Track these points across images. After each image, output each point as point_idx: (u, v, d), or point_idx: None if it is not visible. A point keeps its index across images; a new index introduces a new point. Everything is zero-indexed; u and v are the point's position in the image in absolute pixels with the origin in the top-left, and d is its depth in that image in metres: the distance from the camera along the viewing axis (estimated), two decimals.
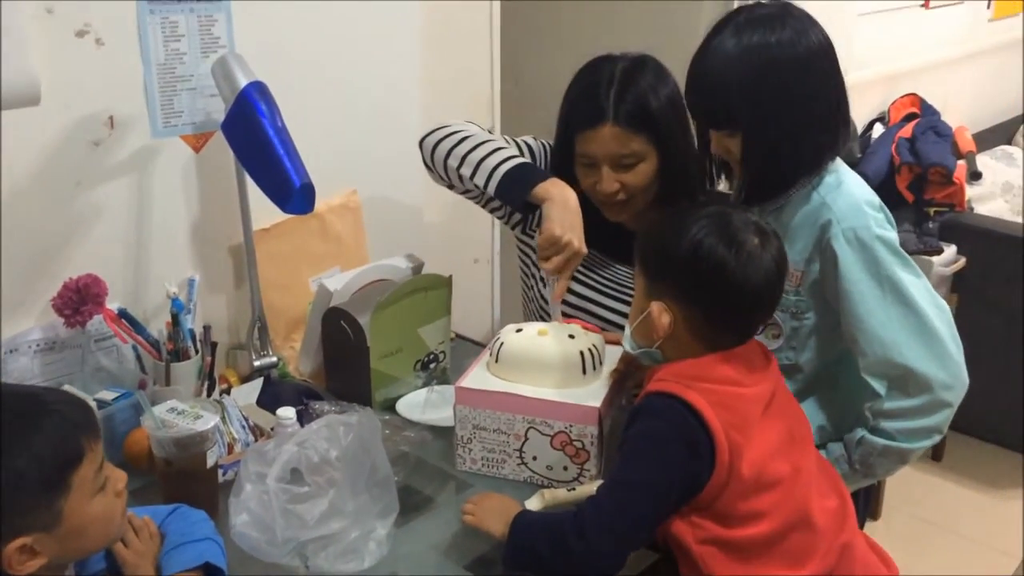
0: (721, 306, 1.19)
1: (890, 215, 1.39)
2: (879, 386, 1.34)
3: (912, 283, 1.33)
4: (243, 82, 1.49)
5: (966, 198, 3.03)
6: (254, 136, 1.48)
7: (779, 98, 1.34)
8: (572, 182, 1.55)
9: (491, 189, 1.54)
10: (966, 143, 3.33)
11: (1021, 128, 3.83)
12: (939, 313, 1.33)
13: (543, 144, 1.72)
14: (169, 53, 1.55)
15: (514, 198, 1.53)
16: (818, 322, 1.42)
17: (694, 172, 1.58)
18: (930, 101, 3.32)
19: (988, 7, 3.80)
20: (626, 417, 1.23)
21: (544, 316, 1.73)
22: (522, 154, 1.68)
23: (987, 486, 2.90)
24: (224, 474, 1.41)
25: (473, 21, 2.05)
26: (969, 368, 1.34)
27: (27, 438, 0.95)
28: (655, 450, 1.16)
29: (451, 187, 1.69)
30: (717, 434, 1.13)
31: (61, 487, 0.98)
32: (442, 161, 1.61)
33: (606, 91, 1.52)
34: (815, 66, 1.35)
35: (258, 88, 1.50)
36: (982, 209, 3.18)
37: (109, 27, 1.47)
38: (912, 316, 1.32)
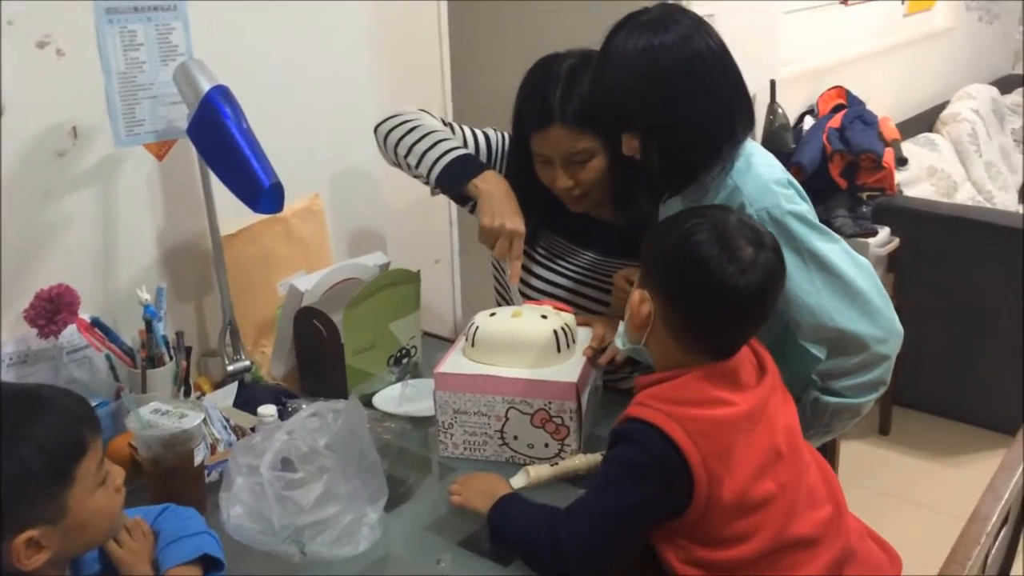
0: (697, 306, 1.19)
1: (800, 188, 1.42)
2: (818, 351, 1.39)
3: (830, 250, 1.37)
4: (206, 86, 1.51)
5: (896, 182, 3.17)
6: (221, 139, 1.50)
7: (663, 99, 1.36)
8: (533, 178, 1.61)
9: (432, 180, 1.64)
10: (890, 132, 3.48)
11: (940, 116, 4.02)
12: (860, 272, 1.37)
13: (502, 135, 1.77)
14: (129, 62, 1.56)
15: (451, 191, 1.64)
16: None
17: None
18: (855, 93, 3.47)
19: (902, 3, 3.99)
20: (608, 438, 1.24)
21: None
22: (478, 146, 1.74)
23: (933, 455, 3.02)
24: (208, 475, 1.42)
25: (422, 24, 2.10)
26: (907, 343, 1.38)
27: (32, 429, 0.96)
28: (632, 478, 1.17)
29: (406, 171, 1.75)
30: (695, 467, 1.14)
31: (66, 478, 0.99)
32: (392, 149, 1.70)
33: (552, 92, 1.55)
34: (699, 68, 1.37)
35: (222, 92, 1.52)
36: (910, 192, 3.33)
37: (69, 37, 1.48)
38: (835, 281, 1.36)
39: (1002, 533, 1.19)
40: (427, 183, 1.71)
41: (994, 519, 1.09)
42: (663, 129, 1.39)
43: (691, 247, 1.18)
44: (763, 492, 1.18)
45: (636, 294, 1.24)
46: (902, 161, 3.43)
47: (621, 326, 1.32)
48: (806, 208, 1.40)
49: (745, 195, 1.38)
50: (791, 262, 1.36)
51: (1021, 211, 3.73)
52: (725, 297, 1.17)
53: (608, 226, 1.70)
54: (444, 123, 1.76)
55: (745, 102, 1.45)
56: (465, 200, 1.67)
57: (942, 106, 4.08)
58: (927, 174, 3.55)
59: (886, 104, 3.72)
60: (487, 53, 2.90)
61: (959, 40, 4.49)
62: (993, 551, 1.15)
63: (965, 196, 3.67)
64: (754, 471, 1.17)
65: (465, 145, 1.71)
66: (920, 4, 4.14)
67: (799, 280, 1.37)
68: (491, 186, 1.59)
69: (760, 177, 1.40)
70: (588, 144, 1.56)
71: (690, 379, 1.19)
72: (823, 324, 1.37)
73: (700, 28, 1.40)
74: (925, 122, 3.99)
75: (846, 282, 1.37)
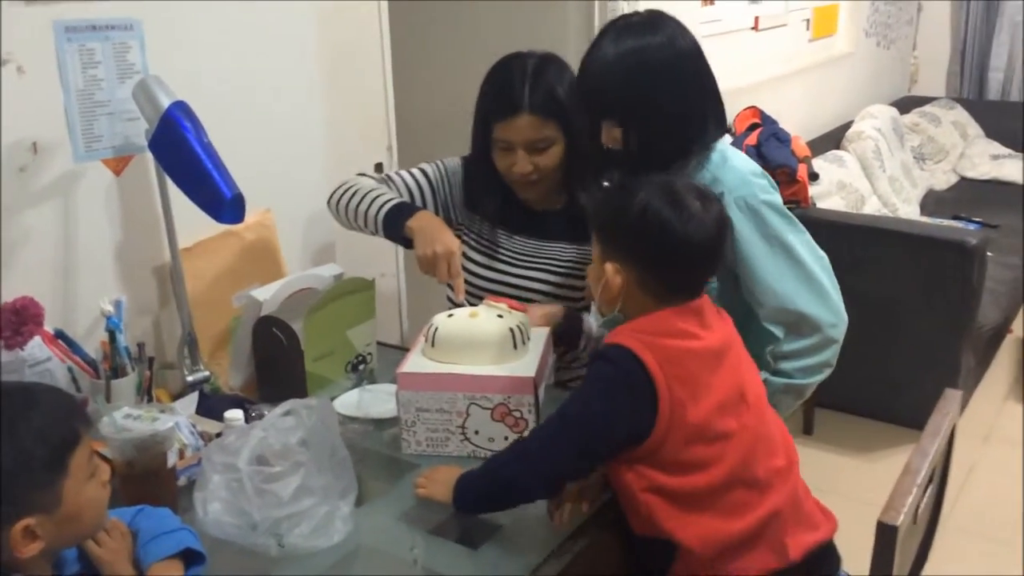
0: (668, 263, 1.31)
1: (772, 180, 1.59)
2: (778, 331, 1.53)
3: (796, 239, 1.54)
4: (166, 102, 1.56)
5: (809, 195, 3.37)
6: (183, 153, 1.54)
7: (651, 93, 1.53)
8: (490, 166, 1.78)
9: (380, 234, 1.79)
10: (802, 149, 3.69)
11: (846, 135, 4.27)
12: (818, 261, 1.55)
13: (437, 166, 1.92)
14: (87, 79, 1.60)
15: (395, 239, 1.79)
16: (722, 286, 1.61)
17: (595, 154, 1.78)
18: (768, 113, 3.67)
19: (807, 28, 4.24)
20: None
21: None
22: (419, 184, 1.89)
23: (853, 451, 3.19)
24: (177, 479, 1.45)
25: (365, 45, 2.17)
26: None
27: (29, 420, 1.00)
28: (602, 390, 1.28)
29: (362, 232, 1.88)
30: (660, 387, 1.25)
31: (61, 468, 1.02)
32: (344, 217, 1.85)
33: (521, 84, 1.72)
34: (683, 66, 1.55)
35: (181, 107, 1.57)
36: (823, 205, 3.53)
37: (30, 55, 1.51)
38: (798, 267, 1.52)
39: (929, 490, 1.32)
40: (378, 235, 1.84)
41: (923, 473, 1.22)
42: (643, 119, 1.54)
43: (652, 214, 1.30)
44: (724, 426, 1.28)
45: (608, 267, 1.34)
46: (813, 176, 3.63)
47: (593, 307, 1.41)
48: (778, 198, 1.57)
49: (725, 184, 1.54)
50: (760, 248, 1.52)
51: (924, 221, 3.98)
52: (688, 248, 1.30)
53: (547, 215, 1.85)
54: (383, 175, 1.91)
55: (716, 102, 1.62)
56: (410, 242, 1.80)
57: (847, 125, 4.34)
58: (837, 188, 3.77)
59: (796, 123, 3.94)
60: (427, 73, 3.00)
61: (860, 64, 4.78)
62: (922, 505, 1.27)
63: (872, 208, 3.91)
64: (717, 404, 1.28)
65: (408, 190, 1.87)
66: (824, 30, 4.41)
67: (767, 265, 1.53)
68: (422, 223, 1.73)
69: (738, 169, 1.56)
70: (551, 132, 1.73)
71: (661, 315, 1.31)
72: (785, 307, 1.52)
73: (683, 32, 1.58)
74: (833, 140, 4.24)
75: (807, 270, 1.53)
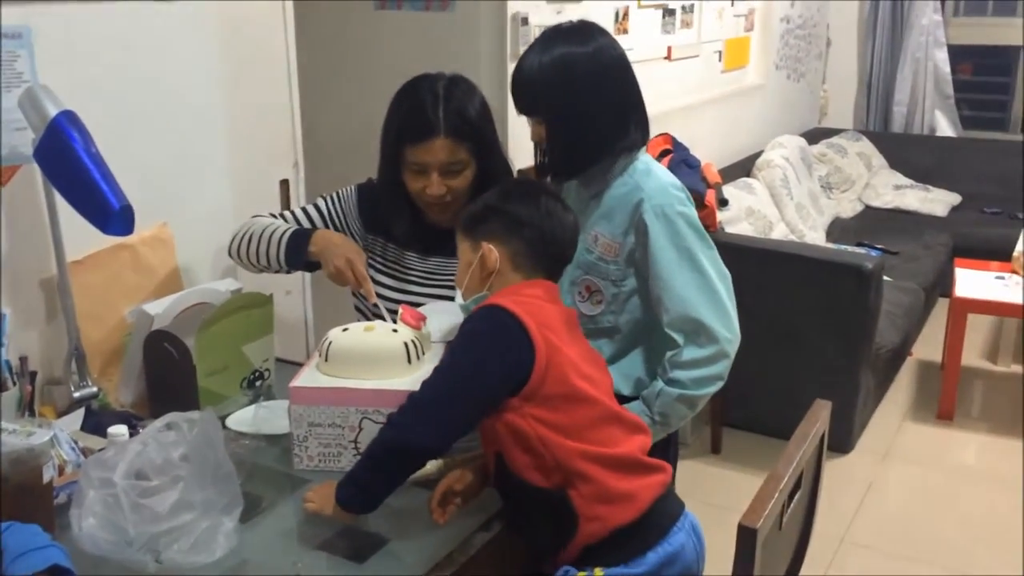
0: (534, 235, 1.44)
1: (689, 195, 1.67)
2: (679, 338, 1.59)
3: (704, 254, 1.61)
4: (53, 111, 1.53)
5: (718, 220, 3.46)
6: (68, 163, 1.51)
7: (571, 96, 1.61)
8: (400, 188, 1.80)
9: (284, 267, 1.81)
10: (713, 176, 3.79)
11: (756, 163, 4.40)
12: (722, 279, 1.62)
13: (329, 198, 1.93)
14: None
15: (300, 266, 1.82)
16: (634, 288, 1.67)
17: (503, 172, 1.85)
18: (680, 140, 3.76)
19: (719, 60, 4.38)
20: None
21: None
22: (311, 219, 1.90)
23: (758, 469, 3.25)
24: (56, 496, 1.41)
25: (272, 63, 2.16)
26: (733, 369, 1.61)
27: None
28: (473, 343, 1.36)
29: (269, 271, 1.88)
30: (530, 327, 1.34)
31: None
32: (247, 261, 1.86)
33: (434, 108, 1.73)
34: (604, 74, 1.63)
35: (69, 116, 1.54)
36: (731, 229, 3.63)
37: None
38: (702, 279, 1.59)
39: (797, 496, 1.36)
40: (287, 271, 1.85)
41: (786, 479, 1.26)
42: (564, 120, 1.63)
43: (517, 199, 1.47)
44: (590, 371, 1.40)
45: (484, 247, 1.45)
46: (724, 202, 3.73)
47: (458, 295, 1.51)
48: (693, 212, 1.63)
49: (646, 192, 1.61)
50: (671, 255, 1.59)
51: (826, 246, 4.11)
52: (543, 233, 1.46)
53: (452, 233, 1.84)
54: (277, 214, 1.92)
55: (639, 111, 1.69)
56: (316, 266, 1.82)
57: (758, 154, 4.47)
58: (746, 214, 3.87)
59: (709, 151, 4.05)
60: (337, 89, 3.00)
61: (770, 95, 4.95)
62: (790, 510, 1.31)
63: (780, 234, 4.02)
64: (579, 353, 1.40)
65: (298, 223, 1.88)
66: (735, 62, 4.55)
67: (675, 272, 1.59)
68: (320, 245, 1.77)
69: (660, 179, 1.64)
70: (463, 156, 1.75)
71: (519, 285, 1.45)
72: (688, 315, 1.58)
73: (610, 43, 1.66)
74: (743, 168, 4.36)
75: (710, 283, 1.60)
